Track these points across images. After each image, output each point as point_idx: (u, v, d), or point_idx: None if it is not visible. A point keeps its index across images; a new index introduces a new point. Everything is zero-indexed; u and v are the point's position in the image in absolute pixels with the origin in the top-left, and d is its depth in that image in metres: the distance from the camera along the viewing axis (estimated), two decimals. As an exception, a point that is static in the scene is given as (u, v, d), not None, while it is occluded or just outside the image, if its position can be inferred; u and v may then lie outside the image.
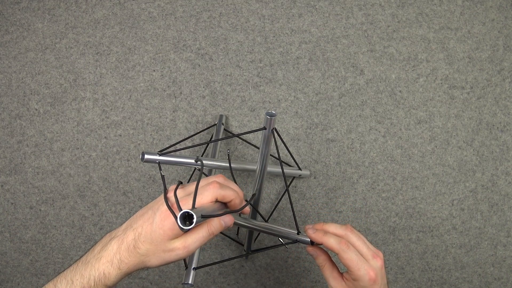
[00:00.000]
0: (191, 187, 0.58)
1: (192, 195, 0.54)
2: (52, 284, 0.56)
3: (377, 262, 0.62)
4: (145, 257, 0.54)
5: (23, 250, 1.03)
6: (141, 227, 0.55)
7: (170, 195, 0.56)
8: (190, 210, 0.49)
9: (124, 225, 0.57)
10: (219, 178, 0.60)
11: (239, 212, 0.59)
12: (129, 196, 1.02)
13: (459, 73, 1.03)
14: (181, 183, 0.60)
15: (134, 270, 0.56)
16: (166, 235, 0.53)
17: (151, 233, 0.54)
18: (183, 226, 0.48)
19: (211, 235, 0.56)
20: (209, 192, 0.56)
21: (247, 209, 0.63)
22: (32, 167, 1.01)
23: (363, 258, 0.62)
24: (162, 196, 0.56)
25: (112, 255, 0.54)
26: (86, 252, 0.57)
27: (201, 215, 0.50)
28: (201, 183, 0.57)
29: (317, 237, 0.64)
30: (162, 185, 0.60)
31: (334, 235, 0.64)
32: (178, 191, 0.57)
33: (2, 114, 1.01)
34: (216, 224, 0.56)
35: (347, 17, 1.02)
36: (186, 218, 0.49)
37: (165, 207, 0.54)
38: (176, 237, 0.54)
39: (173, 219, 0.52)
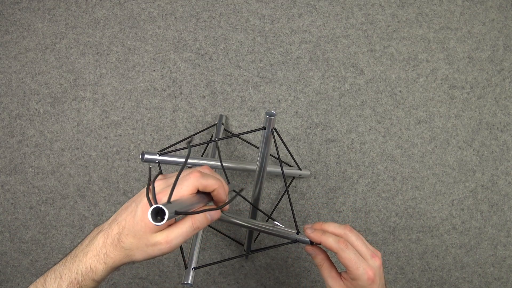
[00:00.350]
0: (173, 178, 0.55)
1: (169, 192, 0.51)
2: (42, 279, 0.55)
3: (376, 262, 0.62)
4: (129, 251, 0.53)
5: (23, 250, 1.03)
6: (125, 221, 0.53)
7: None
8: (163, 205, 0.45)
9: (110, 219, 0.56)
10: (203, 168, 0.57)
11: (222, 208, 0.56)
12: (129, 196, 1.02)
13: (459, 73, 1.03)
14: (161, 173, 0.57)
15: (121, 264, 0.55)
16: (148, 228, 0.51)
17: (133, 226, 0.52)
18: (155, 222, 0.45)
19: (195, 229, 0.53)
20: (190, 181, 0.53)
21: (226, 206, 0.60)
22: (32, 167, 1.01)
23: (362, 257, 0.62)
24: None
25: (98, 250, 0.53)
26: (75, 246, 0.57)
27: (176, 211, 0.47)
28: (183, 173, 0.54)
29: (316, 236, 0.64)
30: (153, 179, 0.56)
31: (333, 235, 0.63)
32: (159, 183, 0.54)
33: (2, 114, 1.01)
34: (201, 218, 0.54)
35: (347, 17, 1.02)
36: (159, 213, 0.46)
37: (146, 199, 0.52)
38: (158, 230, 0.52)
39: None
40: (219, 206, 0.56)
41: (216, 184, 0.55)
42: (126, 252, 0.53)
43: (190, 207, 0.51)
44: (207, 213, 0.54)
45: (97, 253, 0.53)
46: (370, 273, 0.61)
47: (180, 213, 0.48)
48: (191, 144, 0.61)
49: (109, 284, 1.03)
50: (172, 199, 0.50)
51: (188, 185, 0.53)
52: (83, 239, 0.56)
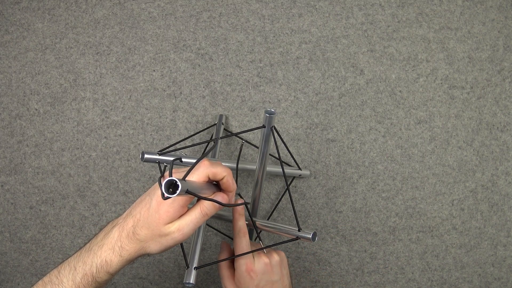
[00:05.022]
0: (184, 171, 0.57)
1: (185, 172, 0.53)
2: (56, 271, 0.57)
3: (273, 257, 0.66)
4: (144, 243, 0.55)
5: (23, 250, 1.03)
6: (139, 213, 0.55)
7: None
8: (177, 178, 0.46)
9: (125, 213, 0.58)
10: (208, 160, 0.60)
11: (228, 206, 0.58)
12: (129, 196, 1.02)
13: (459, 73, 1.03)
14: (163, 173, 0.59)
15: (136, 257, 0.56)
16: (162, 219, 0.53)
17: (147, 218, 0.54)
18: (168, 194, 0.47)
19: (204, 216, 0.55)
20: (200, 170, 0.55)
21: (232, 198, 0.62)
22: (32, 167, 1.01)
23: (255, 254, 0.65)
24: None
25: (114, 243, 0.55)
26: (90, 240, 0.58)
27: (187, 189, 0.48)
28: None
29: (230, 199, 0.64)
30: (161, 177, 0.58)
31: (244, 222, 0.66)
32: (173, 170, 0.56)
33: (2, 114, 1.01)
34: (209, 205, 0.55)
35: (347, 17, 1.02)
36: (172, 190, 0.47)
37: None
38: (171, 220, 0.54)
39: (168, 202, 0.52)
40: (225, 204, 0.58)
41: (225, 172, 0.57)
42: (141, 244, 0.55)
43: (200, 191, 0.53)
44: (214, 198, 0.56)
45: (112, 246, 0.55)
46: (249, 266, 0.63)
47: (190, 193, 0.49)
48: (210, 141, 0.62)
49: (109, 284, 1.03)
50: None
51: (199, 173, 0.55)
52: (97, 233, 0.58)
